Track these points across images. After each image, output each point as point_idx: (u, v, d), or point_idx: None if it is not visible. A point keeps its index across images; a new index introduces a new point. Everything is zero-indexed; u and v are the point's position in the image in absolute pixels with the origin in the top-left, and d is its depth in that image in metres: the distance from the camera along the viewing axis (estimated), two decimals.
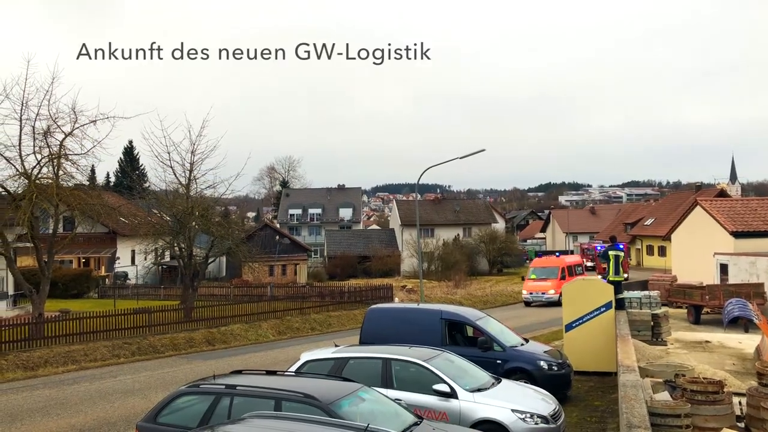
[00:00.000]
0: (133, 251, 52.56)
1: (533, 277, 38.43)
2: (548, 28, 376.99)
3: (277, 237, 67.12)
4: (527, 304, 37.63)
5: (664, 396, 10.88)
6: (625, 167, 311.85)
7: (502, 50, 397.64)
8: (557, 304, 29.78)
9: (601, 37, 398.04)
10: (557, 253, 42.31)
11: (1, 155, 24.24)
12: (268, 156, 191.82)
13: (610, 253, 19.19)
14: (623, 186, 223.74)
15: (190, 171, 30.92)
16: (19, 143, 24.16)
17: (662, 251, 65.35)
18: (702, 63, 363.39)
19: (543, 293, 36.93)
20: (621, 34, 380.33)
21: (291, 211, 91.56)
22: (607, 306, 17.14)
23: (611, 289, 17.61)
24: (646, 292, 21.83)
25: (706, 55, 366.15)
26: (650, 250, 69.70)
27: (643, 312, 19.67)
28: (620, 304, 18.58)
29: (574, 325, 17.29)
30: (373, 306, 17.77)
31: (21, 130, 24.06)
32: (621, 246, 20.67)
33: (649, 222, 71.97)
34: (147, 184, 45.68)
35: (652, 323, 19.59)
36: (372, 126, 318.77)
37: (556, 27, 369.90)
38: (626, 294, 20.36)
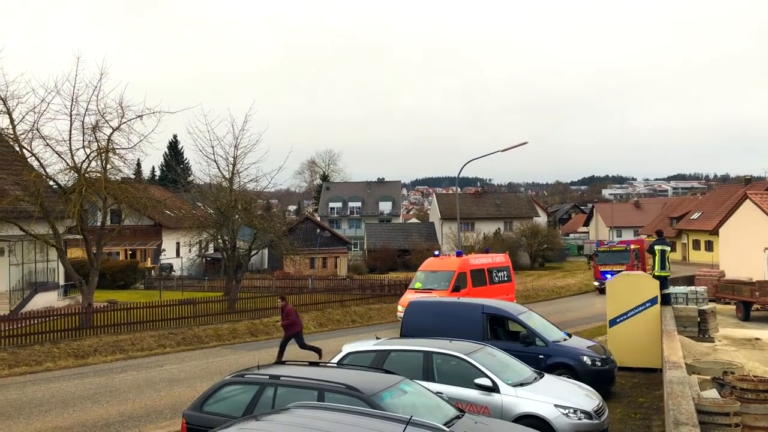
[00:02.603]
0: (178, 243, 53.62)
1: (417, 285, 26.64)
2: (597, 21, 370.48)
3: (318, 230, 67.64)
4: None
5: (712, 394, 10.65)
6: (671, 160, 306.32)
7: (550, 42, 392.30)
8: None
9: (650, 30, 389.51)
10: (458, 251, 29.24)
11: (53, 150, 24.97)
12: (309, 149, 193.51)
13: (656, 247, 18.83)
14: (669, 179, 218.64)
15: (234, 165, 31.38)
16: (69, 138, 24.86)
17: (709, 246, 63.78)
18: (759, 53, 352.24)
19: None
20: (674, 28, 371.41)
21: (331, 205, 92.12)
22: (653, 301, 16.85)
23: (657, 285, 17.29)
24: (693, 288, 21.41)
25: (761, 45, 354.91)
26: (696, 245, 68.09)
27: (689, 308, 19.28)
28: (666, 300, 18.23)
29: (618, 320, 17.04)
30: (414, 299, 17.80)
31: (71, 125, 24.75)
32: (664, 241, 20.22)
33: (695, 216, 70.28)
34: (191, 178, 46.64)
35: (698, 319, 19.18)
36: (414, 119, 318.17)
37: (607, 20, 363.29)
38: (672, 289, 19.97)
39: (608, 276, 37.40)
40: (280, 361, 16.43)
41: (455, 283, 25.52)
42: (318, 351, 19.48)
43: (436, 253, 28.90)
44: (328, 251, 66.28)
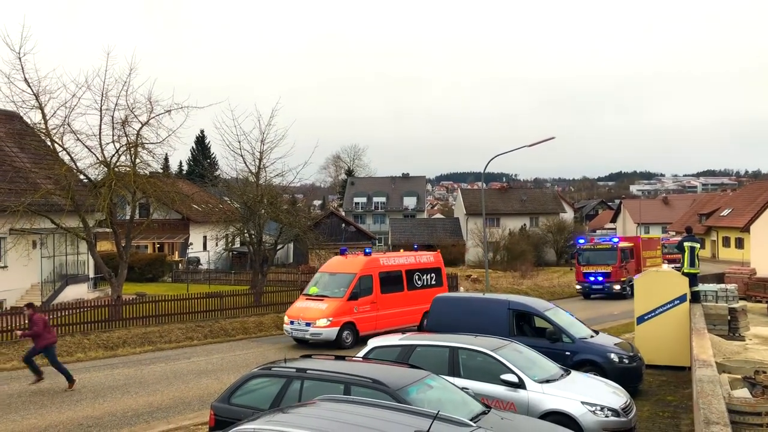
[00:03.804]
0: (205, 237, 54.10)
1: (312, 291, 22.36)
2: (625, 16, 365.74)
3: (343, 225, 67.92)
4: (299, 341, 21.47)
5: (743, 393, 10.49)
6: (701, 156, 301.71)
7: (578, 36, 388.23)
8: (335, 344, 20.12)
9: (681, 24, 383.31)
10: (366, 249, 24.10)
11: (83, 144, 25.39)
12: (334, 144, 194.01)
13: (686, 244, 18.54)
14: (698, 175, 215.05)
15: (260, 159, 31.54)
16: (99, 132, 25.26)
17: (740, 243, 62.68)
18: None
19: (308, 324, 20.74)
20: (705, 22, 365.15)
21: (356, 200, 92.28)
22: (682, 299, 16.62)
23: (686, 282, 17.06)
24: (723, 285, 21.04)
25: None
26: (726, 242, 66.99)
27: (719, 306, 18.95)
28: (695, 297, 17.97)
29: (646, 317, 16.84)
30: (439, 295, 17.80)
31: (101, 120, 25.14)
32: (694, 238, 19.93)
33: (725, 213, 69.12)
34: (218, 173, 46.92)
35: (729, 317, 18.85)
36: (439, 114, 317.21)
37: (636, 15, 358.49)
38: (701, 287, 19.66)
39: (591, 279, 35.23)
40: (306, 355, 16.56)
41: (354, 288, 21.43)
42: (39, 375, 16.19)
43: (343, 249, 24.58)
44: (352, 246, 66.35)
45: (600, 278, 35.05)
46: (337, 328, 20.60)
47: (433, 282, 24.22)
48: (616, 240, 37.41)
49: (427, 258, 24.89)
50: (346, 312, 21.01)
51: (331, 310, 20.83)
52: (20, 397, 15.16)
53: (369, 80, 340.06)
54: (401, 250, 27.75)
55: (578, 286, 36.56)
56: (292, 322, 21.31)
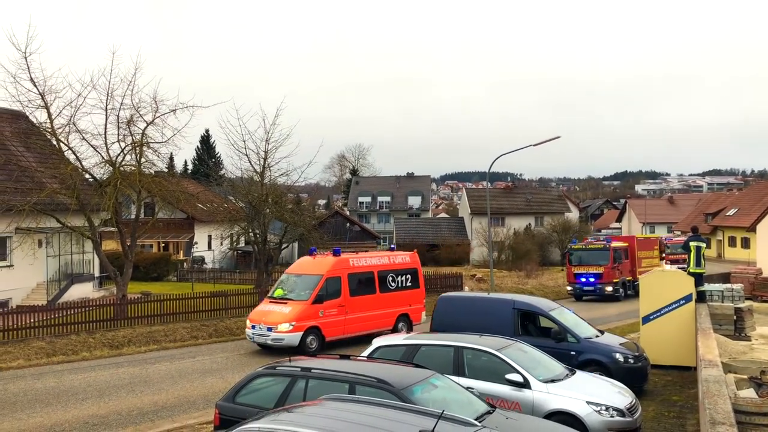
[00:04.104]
0: (209, 236, 54.21)
1: (278, 293, 21.12)
2: (629, 15, 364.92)
3: (348, 224, 67.93)
4: (262, 346, 20.35)
5: (749, 393, 10.45)
6: (707, 155, 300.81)
7: (584, 36, 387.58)
8: (297, 350, 18.68)
9: (685, 23, 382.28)
10: (335, 249, 22.16)
11: (89, 143, 25.47)
12: (339, 144, 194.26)
13: (692, 243, 18.47)
14: (704, 175, 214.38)
15: (265, 159, 31.61)
16: (105, 132, 25.34)
17: (746, 243, 62.50)
18: None
19: (270, 328, 19.51)
20: (711, 21, 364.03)
21: (360, 199, 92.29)
22: (687, 298, 16.57)
23: (692, 281, 17.01)
24: (729, 285, 20.95)
25: None
26: (732, 242, 66.78)
27: (725, 305, 18.87)
28: (701, 297, 17.91)
29: (651, 317, 16.79)
30: (444, 294, 17.77)
31: (106, 120, 25.24)
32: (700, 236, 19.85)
33: (731, 212, 68.88)
34: (223, 172, 47.14)
35: (735, 317, 18.77)
36: (444, 113, 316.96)
37: (640, 14, 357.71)
38: (707, 287, 19.60)
39: (583, 280, 34.01)
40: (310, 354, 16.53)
41: (320, 291, 20.11)
42: None
43: (312, 250, 23.24)
44: (357, 245, 66.35)
45: (591, 279, 33.93)
46: (301, 333, 19.32)
47: (409, 284, 23.04)
48: (608, 240, 36.56)
49: (402, 258, 23.59)
50: (310, 316, 19.73)
51: (294, 314, 19.51)
52: (26, 395, 15.21)
53: (374, 80, 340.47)
54: (376, 250, 27.06)
55: (569, 288, 35.52)
56: (253, 327, 20.01)
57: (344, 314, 20.76)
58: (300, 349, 18.91)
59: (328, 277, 20.58)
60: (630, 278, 35.27)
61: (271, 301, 20.88)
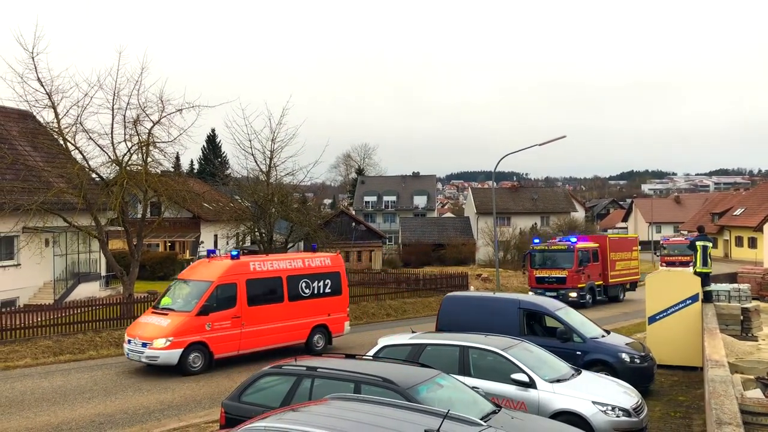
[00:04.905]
0: (215, 236, 54.27)
1: (165, 302, 18.48)
2: (637, 13, 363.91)
3: (353, 224, 67.85)
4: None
5: (756, 393, 10.42)
6: (713, 155, 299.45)
7: (590, 35, 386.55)
8: (178, 369, 16.95)
9: (692, 21, 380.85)
10: (233, 252, 19.42)
11: (95, 143, 25.54)
12: (345, 143, 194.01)
13: (698, 243, 18.43)
14: (711, 174, 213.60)
15: (270, 158, 31.62)
16: (111, 131, 25.39)
17: (753, 242, 62.29)
18: None
19: (145, 344, 17.06)
20: (718, 19, 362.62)
21: (366, 198, 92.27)
22: (694, 298, 16.53)
23: (698, 281, 16.97)
24: (735, 285, 20.88)
25: None
26: (739, 242, 66.55)
27: (732, 305, 18.81)
28: (707, 297, 17.86)
29: (657, 317, 16.76)
30: (450, 294, 17.77)
31: (113, 119, 25.28)
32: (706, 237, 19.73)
33: (738, 212, 68.66)
34: (229, 171, 47.15)
35: (741, 317, 18.71)
36: (450, 113, 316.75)
37: (647, 12, 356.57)
38: (714, 287, 19.54)
39: (545, 282, 30.66)
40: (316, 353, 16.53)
41: (207, 300, 17.54)
42: None
43: (211, 251, 20.79)
44: (362, 245, 66.45)
45: (554, 284, 30.61)
46: (180, 350, 16.81)
47: (329, 290, 20.41)
48: (573, 240, 32.86)
49: (321, 261, 20.76)
50: (194, 330, 17.16)
51: (172, 328, 16.99)
52: (33, 394, 15.28)
53: (380, 80, 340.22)
54: (297, 251, 23.50)
55: (531, 293, 29.33)
56: (129, 341, 17.53)
57: (239, 327, 18.05)
58: (180, 368, 16.90)
59: (220, 284, 17.90)
60: (600, 283, 32.76)
61: (153, 312, 18.38)
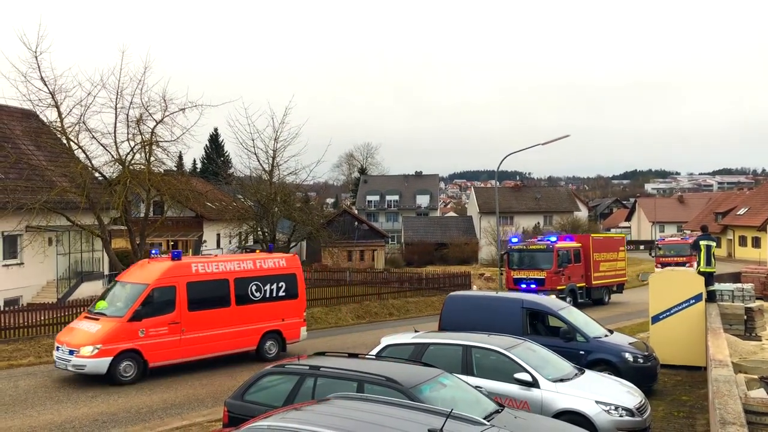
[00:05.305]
0: (218, 235, 54.32)
1: (100, 306, 17.34)
2: (639, 12, 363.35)
3: (356, 223, 67.91)
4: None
5: (760, 393, 10.37)
6: (717, 154, 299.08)
7: (594, 34, 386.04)
8: (107, 379, 15.85)
9: (695, 21, 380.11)
10: (174, 252, 18.23)
11: (99, 142, 25.62)
12: (347, 143, 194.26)
13: (701, 243, 18.37)
14: (714, 174, 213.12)
15: (273, 158, 31.69)
16: (114, 131, 25.48)
17: (756, 242, 62.20)
18: None
19: (72, 351, 15.92)
20: (720, 19, 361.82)
21: (369, 198, 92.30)
22: (697, 298, 16.49)
23: (702, 281, 16.92)
24: (739, 285, 20.83)
25: None
26: (743, 241, 66.41)
27: (735, 305, 18.76)
28: (711, 297, 17.81)
29: (661, 316, 16.72)
30: (453, 293, 17.75)
31: (116, 118, 25.38)
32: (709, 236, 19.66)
33: (742, 211, 68.50)
34: (231, 170, 47.23)
35: (745, 317, 18.66)
36: (452, 112, 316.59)
37: (650, 11, 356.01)
38: (717, 286, 19.49)
39: (523, 286, 28.76)
40: (319, 352, 16.50)
41: (141, 305, 16.37)
42: None
43: (153, 252, 19.18)
44: (365, 244, 66.48)
45: (532, 286, 28.60)
46: (110, 358, 15.71)
47: (283, 293, 19.15)
48: (553, 239, 31.33)
49: (275, 262, 19.37)
50: (125, 336, 16.06)
51: (101, 335, 15.89)
52: (36, 392, 15.31)
53: (383, 80, 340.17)
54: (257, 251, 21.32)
55: None
56: (58, 348, 16.40)
57: (179, 333, 16.93)
58: (110, 378, 15.83)
59: (157, 287, 16.77)
60: (583, 284, 30.99)
61: (86, 317, 17.19)
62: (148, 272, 17.32)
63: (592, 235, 36.44)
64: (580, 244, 31.82)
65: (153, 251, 19.38)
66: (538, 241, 32.21)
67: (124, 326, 16.13)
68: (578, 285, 30.63)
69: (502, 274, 33.99)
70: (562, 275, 29.50)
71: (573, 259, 30.46)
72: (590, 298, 31.72)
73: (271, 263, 19.28)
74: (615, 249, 34.64)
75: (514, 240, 32.15)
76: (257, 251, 21.64)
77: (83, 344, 15.80)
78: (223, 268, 18.13)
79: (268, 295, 18.80)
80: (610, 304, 33.01)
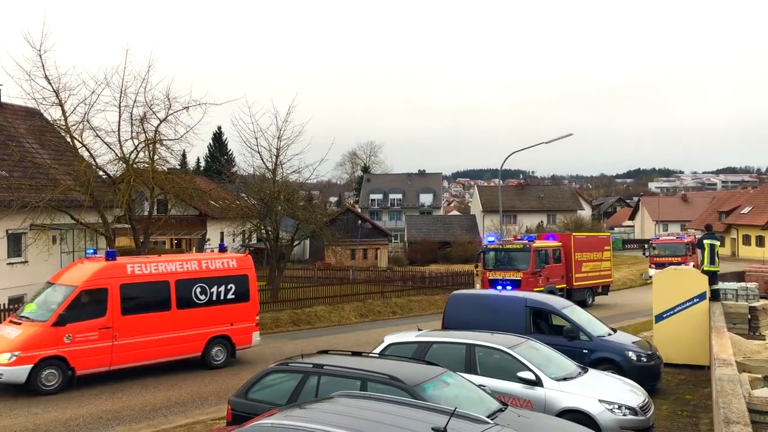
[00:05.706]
0: (222, 233, 54.41)
1: (29, 308, 16.33)
2: (644, 12, 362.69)
3: (359, 221, 67.94)
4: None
5: (764, 392, 10.36)
6: (721, 153, 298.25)
7: (598, 32, 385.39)
8: (31, 389, 14.82)
9: (699, 20, 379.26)
10: (109, 252, 17.49)
11: (102, 141, 25.62)
12: (351, 141, 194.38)
13: (705, 241, 18.36)
14: (718, 172, 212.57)
15: (277, 156, 31.64)
16: (118, 129, 25.47)
17: (760, 241, 62.05)
18: None
19: None
20: (725, 18, 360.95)
21: (372, 196, 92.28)
22: (701, 297, 16.47)
23: (705, 280, 16.90)
24: (743, 284, 20.79)
25: None
26: (747, 240, 66.24)
27: (739, 304, 18.72)
28: (715, 296, 17.79)
29: (664, 315, 16.70)
30: (456, 292, 17.78)
31: (120, 117, 25.35)
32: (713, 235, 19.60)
33: (746, 210, 68.31)
34: (235, 169, 47.23)
35: (749, 316, 18.63)
36: (456, 111, 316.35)
37: (654, 11, 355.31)
38: (721, 285, 19.46)
39: (499, 287, 25.82)
40: (323, 351, 16.52)
41: (67, 308, 15.28)
42: None
43: (89, 251, 18.03)
44: (368, 243, 66.51)
45: (508, 287, 26.35)
46: (30, 365, 14.62)
47: (232, 296, 18.00)
48: (530, 238, 30.09)
49: (224, 263, 18.26)
50: (47, 343, 14.94)
51: (20, 341, 14.82)
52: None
53: (386, 78, 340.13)
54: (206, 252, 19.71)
55: None
56: None
57: (111, 339, 15.86)
58: (28, 387, 14.76)
59: (86, 290, 15.70)
60: (563, 286, 29.24)
61: (11, 321, 16.11)
62: (79, 273, 16.29)
63: (574, 233, 34.81)
64: (560, 244, 30.26)
65: (89, 250, 18.22)
66: (516, 240, 30.65)
67: (47, 331, 15.05)
68: (558, 286, 28.72)
69: (477, 275, 32.11)
70: (540, 276, 27.82)
71: (552, 259, 28.96)
72: (571, 300, 30.49)
73: (219, 264, 18.16)
74: (599, 248, 33.03)
75: (490, 239, 30.78)
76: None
77: (1, 351, 14.73)
78: (163, 269, 17.02)
79: (215, 298, 17.68)
80: (587, 306, 30.32)
